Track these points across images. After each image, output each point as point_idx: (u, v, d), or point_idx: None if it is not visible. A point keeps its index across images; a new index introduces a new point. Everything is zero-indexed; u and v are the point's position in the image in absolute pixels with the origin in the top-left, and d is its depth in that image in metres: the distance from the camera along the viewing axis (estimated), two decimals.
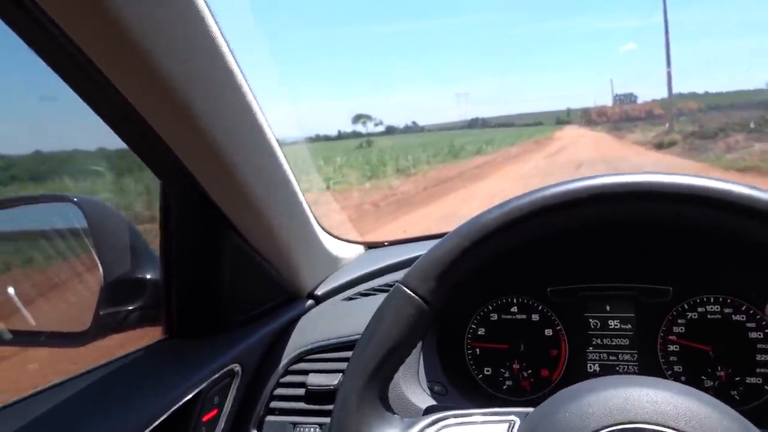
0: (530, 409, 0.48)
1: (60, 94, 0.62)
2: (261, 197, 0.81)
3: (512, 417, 0.48)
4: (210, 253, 0.82)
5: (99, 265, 0.85)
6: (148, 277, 0.88)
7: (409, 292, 0.52)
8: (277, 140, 0.83)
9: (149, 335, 0.89)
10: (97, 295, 0.84)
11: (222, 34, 0.68)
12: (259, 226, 0.84)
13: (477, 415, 0.49)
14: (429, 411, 0.53)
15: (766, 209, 0.46)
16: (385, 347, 0.51)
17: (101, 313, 0.85)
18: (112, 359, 0.82)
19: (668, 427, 0.41)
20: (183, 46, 0.62)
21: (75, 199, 0.85)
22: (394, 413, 0.52)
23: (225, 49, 0.68)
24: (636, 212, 0.53)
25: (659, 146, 21.75)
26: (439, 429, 0.49)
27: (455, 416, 0.50)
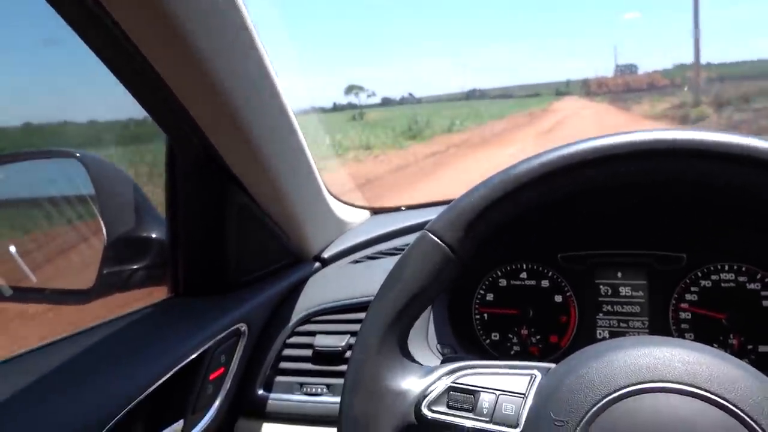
0: (552, 365, 0.47)
1: (64, 39, 0.60)
2: (269, 156, 0.79)
3: (533, 371, 0.47)
4: (216, 211, 0.81)
5: (102, 222, 0.84)
6: (153, 236, 0.87)
7: (435, 239, 0.50)
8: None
9: (155, 294, 0.89)
10: (101, 253, 0.84)
11: None
12: (267, 185, 0.82)
13: (497, 366, 0.48)
14: (447, 361, 0.52)
15: None
16: (409, 293, 0.49)
17: (105, 271, 0.84)
18: (119, 316, 0.81)
19: (700, 389, 0.39)
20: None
21: (78, 155, 0.83)
22: (413, 360, 0.51)
23: (240, 3, 0.66)
24: (670, 170, 0.50)
25: (684, 120, 18.87)
26: (458, 377, 0.48)
27: (474, 366, 0.49)
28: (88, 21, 0.58)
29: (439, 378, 0.48)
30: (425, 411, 0.46)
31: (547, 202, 0.51)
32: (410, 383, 0.48)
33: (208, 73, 0.64)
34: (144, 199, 0.90)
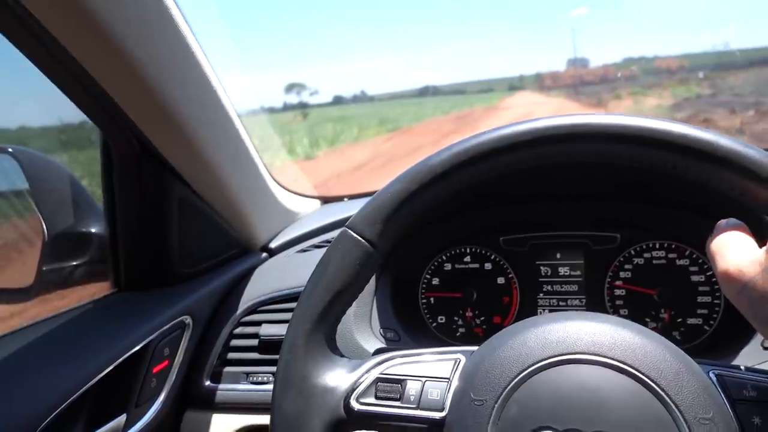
0: (475, 347, 0.49)
1: None
2: (206, 147, 0.79)
3: (458, 355, 0.49)
4: (155, 203, 0.80)
5: (41, 218, 0.82)
6: (94, 230, 0.86)
7: (355, 235, 0.51)
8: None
9: (98, 289, 0.87)
10: (40, 250, 0.82)
11: None
12: (207, 177, 0.82)
13: (424, 354, 0.50)
14: (378, 353, 0.53)
15: (722, 155, 0.46)
16: (332, 291, 0.50)
17: (44, 268, 0.82)
18: (59, 312, 0.80)
19: (604, 356, 0.41)
20: None
21: (10, 150, 0.81)
22: (342, 356, 0.52)
23: None
24: (580, 155, 0.52)
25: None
26: (386, 368, 0.49)
27: (402, 356, 0.50)
28: (8, 17, 0.56)
29: (368, 371, 0.49)
30: (354, 404, 0.47)
31: (466, 189, 0.52)
32: (338, 378, 0.49)
33: (135, 64, 0.63)
34: (84, 193, 0.88)
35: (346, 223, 0.52)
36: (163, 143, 0.74)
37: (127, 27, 0.61)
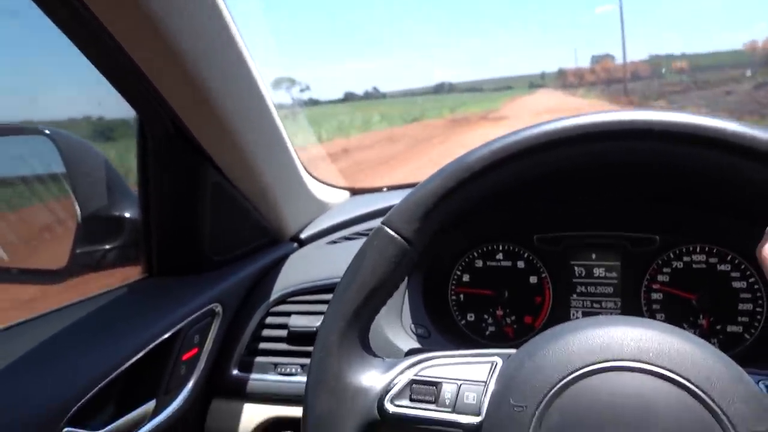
0: (513, 351, 0.47)
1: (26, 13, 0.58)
2: (242, 134, 0.78)
3: (495, 358, 0.48)
4: (189, 190, 0.80)
5: (75, 201, 0.83)
6: (127, 215, 0.86)
7: (391, 232, 0.50)
8: None
9: (129, 274, 0.88)
10: (74, 233, 0.82)
11: None
12: (241, 164, 0.81)
13: (459, 356, 0.49)
14: (410, 353, 0.52)
15: (764, 149, 0.44)
16: (367, 288, 0.49)
17: (78, 251, 0.83)
18: (91, 296, 0.81)
19: (650, 364, 0.40)
20: None
21: (48, 132, 0.82)
22: (375, 355, 0.51)
23: None
24: (627, 154, 0.51)
25: None
26: (420, 370, 0.48)
27: (436, 357, 0.49)
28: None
29: (402, 372, 0.48)
30: (388, 405, 0.46)
31: (505, 189, 0.51)
32: (372, 379, 0.48)
33: (174, 46, 0.63)
34: (118, 178, 0.89)
35: (382, 220, 0.51)
36: (199, 127, 0.73)
37: (167, 8, 0.60)
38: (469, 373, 0.46)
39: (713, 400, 0.38)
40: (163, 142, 0.77)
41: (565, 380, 0.41)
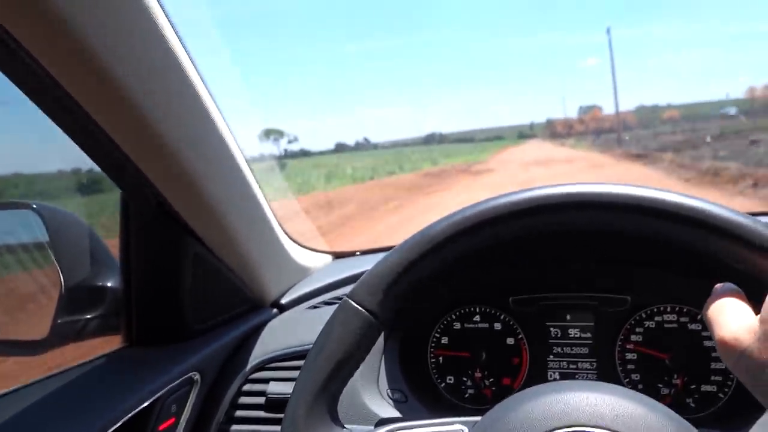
0: (477, 418, 0.49)
1: (12, 101, 0.62)
2: (225, 208, 0.81)
3: (461, 426, 0.49)
4: (170, 260, 0.82)
5: (59, 272, 0.84)
6: (109, 285, 0.88)
7: (356, 305, 0.52)
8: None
9: (110, 344, 0.88)
10: (56, 303, 0.83)
11: (181, 42, 0.68)
12: (220, 234, 0.84)
13: (425, 426, 0.49)
14: (380, 423, 0.53)
15: (716, 224, 0.47)
16: (333, 361, 0.51)
17: (59, 321, 0.84)
18: (69, 367, 0.81)
19: (606, 429, 0.41)
20: (140, 53, 0.62)
21: (34, 206, 0.84)
22: (343, 427, 0.52)
23: (184, 56, 0.69)
24: (588, 223, 0.53)
25: None
26: None
27: (404, 428, 0.50)
28: (30, 78, 0.59)
29: None
30: None
31: (469, 256, 0.53)
32: None
33: (155, 131, 0.66)
34: (102, 248, 0.90)
35: (347, 293, 0.53)
36: (181, 203, 0.76)
37: (149, 96, 0.64)
38: None
39: None
40: (146, 217, 0.79)
41: None
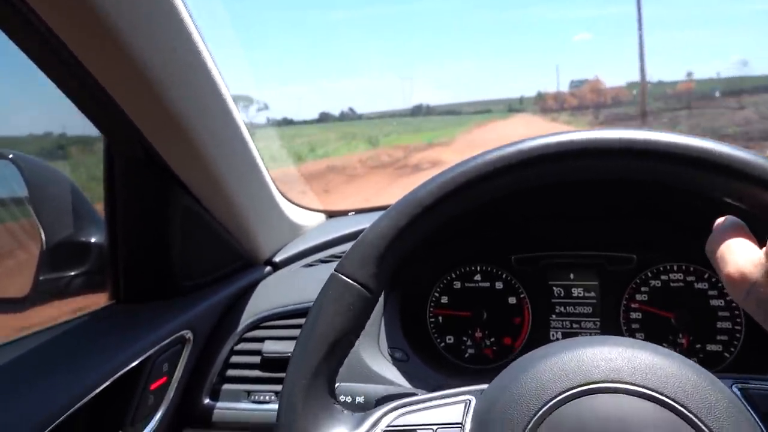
0: (484, 386, 0.46)
1: None
2: (214, 156, 0.76)
3: (467, 396, 0.45)
4: (158, 213, 0.77)
5: (40, 227, 0.80)
6: (93, 240, 0.84)
7: (347, 279, 0.48)
8: None
9: (96, 301, 0.85)
10: (38, 259, 0.79)
11: None
12: (212, 187, 0.79)
13: (431, 399, 0.46)
14: (382, 401, 0.50)
15: (718, 161, 0.44)
16: (327, 341, 0.47)
17: (42, 278, 0.80)
18: (54, 324, 0.77)
19: (624, 383, 0.39)
20: None
21: (11, 156, 0.79)
22: (344, 407, 0.49)
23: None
24: (584, 173, 0.50)
25: None
26: (393, 419, 0.45)
27: (406, 404, 0.47)
28: (14, 18, 0.55)
29: (374, 424, 0.45)
30: None
31: (461, 216, 0.50)
32: None
33: (142, 69, 0.61)
34: (84, 202, 0.86)
35: (336, 267, 0.49)
36: (169, 151, 0.72)
37: (136, 32, 0.59)
38: (443, 416, 0.44)
39: (690, 411, 0.37)
40: (131, 165, 0.74)
41: (541, 411, 0.39)
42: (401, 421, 0.45)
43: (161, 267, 0.80)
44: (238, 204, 0.85)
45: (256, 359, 0.80)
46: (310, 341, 0.47)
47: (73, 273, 0.83)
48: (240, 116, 0.81)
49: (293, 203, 1.10)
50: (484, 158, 0.48)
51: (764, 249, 0.38)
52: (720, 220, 0.43)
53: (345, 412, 0.47)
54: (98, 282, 0.84)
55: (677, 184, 0.47)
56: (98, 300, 0.84)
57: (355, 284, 0.48)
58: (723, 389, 0.38)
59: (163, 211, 0.77)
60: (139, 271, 0.81)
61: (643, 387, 0.38)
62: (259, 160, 0.90)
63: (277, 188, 1.01)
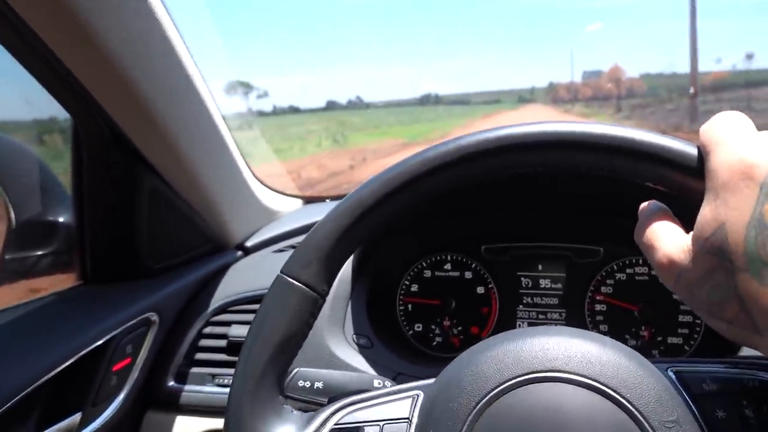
0: (433, 380, 0.46)
1: None
2: (182, 138, 0.76)
3: (416, 391, 0.46)
4: (125, 195, 0.77)
5: (8, 205, 0.79)
6: (61, 219, 0.83)
7: (291, 280, 0.48)
8: None
9: (63, 281, 0.84)
10: (4, 238, 0.79)
11: None
12: (181, 170, 0.79)
13: (380, 396, 0.46)
14: (332, 401, 0.50)
15: (648, 151, 0.43)
16: (273, 343, 0.46)
17: (8, 256, 0.79)
18: (19, 304, 0.77)
19: (560, 371, 0.39)
20: None
21: None
22: (293, 408, 0.49)
23: None
24: (515, 167, 0.49)
25: None
26: (341, 417, 0.46)
27: (355, 402, 0.47)
28: None
29: (322, 423, 0.45)
30: None
31: (410, 209, 0.49)
32: None
33: (107, 48, 0.60)
34: (54, 181, 0.86)
35: (281, 268, 0.49)
36: (136, 131, 0.71)
37: (102, 13, 0.58)
38: (391, 412, 0.44)
39: (624, 398, 0.37)
40: (98, 146, 0.74)
41: (482, 402, 0.39)
42: (349, 418, 0.45)
43: (128, 249, 0.80)
44: (208, 187, 0.84)
45: (223, 343, 0.80)
46: (255, 344, 0.47)
47: (41, 252, 0.83)
48: (212, 99, 0.81)
49: (269, 188, 1.09)
50: (425, 155, 0.48)
51: (690, 234, 0.38)
52: (643, 205, 0.43)
53: (294, 412, 0.47)
54: (66, 262, 0.84)
55: (602, 173, 0.46)
56: (66, 280, 0.84)
57: (300, 285, 0.48)
58: (656, 374, 0.39)
59: (130, 193, 0.77)
60: (106, 253, 0.80)
61: (578, 375, 0.38)
62: (231, 144, 0.89)
63: (252, 173, 1.00)
